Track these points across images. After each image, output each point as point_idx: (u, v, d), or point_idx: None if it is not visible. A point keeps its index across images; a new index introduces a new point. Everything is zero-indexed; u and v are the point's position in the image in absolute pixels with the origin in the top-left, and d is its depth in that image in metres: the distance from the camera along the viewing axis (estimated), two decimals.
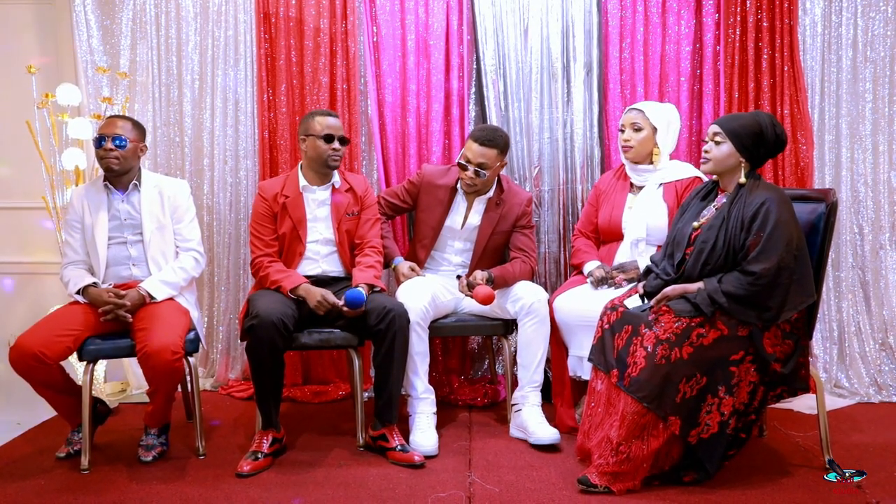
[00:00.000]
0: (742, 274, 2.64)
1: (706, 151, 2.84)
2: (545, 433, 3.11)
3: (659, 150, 3.37)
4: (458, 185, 3.47)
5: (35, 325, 2.98)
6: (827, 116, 3.92)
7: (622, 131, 3.41)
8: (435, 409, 3.27)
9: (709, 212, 2.88)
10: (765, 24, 3.80)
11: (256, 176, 3.96)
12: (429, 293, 3.26)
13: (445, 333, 3.52)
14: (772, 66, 3.82)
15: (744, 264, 2.65)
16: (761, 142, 2.77)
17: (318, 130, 3.25)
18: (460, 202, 3.49)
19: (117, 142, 3.13)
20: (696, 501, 2.61)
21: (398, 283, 3.38)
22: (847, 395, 3.79)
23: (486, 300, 3.18)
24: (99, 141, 3.14)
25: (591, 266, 3.34)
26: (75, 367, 3.45)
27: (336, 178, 3.37)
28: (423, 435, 3.13)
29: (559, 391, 3.34)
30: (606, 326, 2.87)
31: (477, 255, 3.48)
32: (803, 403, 3.56)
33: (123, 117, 3.28)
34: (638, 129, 3.36)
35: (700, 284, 2.71)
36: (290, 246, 3.32)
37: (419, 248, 3.54)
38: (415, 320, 3.14)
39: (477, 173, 3.34)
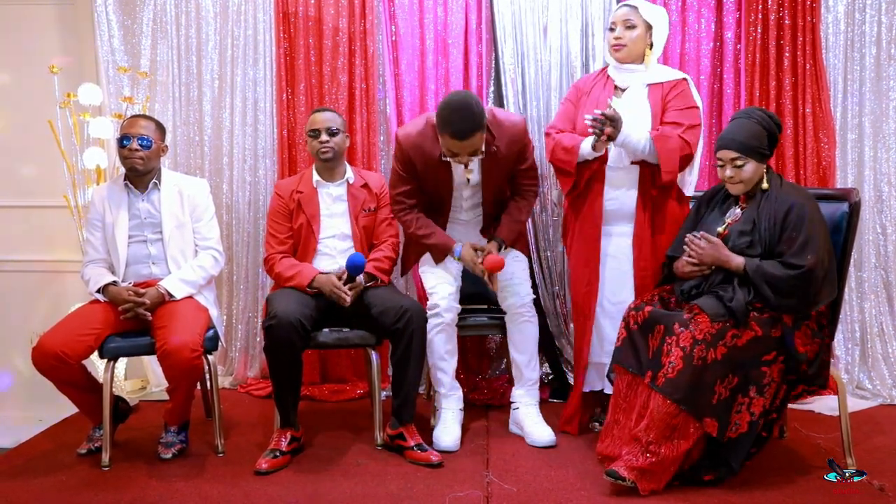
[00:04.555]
0: (784, 266, 2.62)
1: (731, 178, 2.76)
2: (542, 434, 3.13)
3: (650, 51, 3.17)
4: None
5: (56, 325, 3.00)
6: (850, 115, 3.86)
7: (612, 29, 3.19)
8: (462, 406, 3.27)
9: (733, 213, 2.85)
10: (786, 21, 3.76)
11: (275, 175, 3.97)
12: (454, 287, 3.26)
13: (462, 333, 3.49)
14: (793, 64, 3.78)
15: (786, 257, 2.63)
16: (772, 139, 2.78)
17: (306, 128, 3.35)
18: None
19: (142, 142, 3.14)
20: (717, 503, 2.59)
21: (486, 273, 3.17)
22: (869, 397, 3.74)
23: (496, 266, 3.12)
24: (122, 141, 3.16)
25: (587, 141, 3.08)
26: (96, 364, 3.47)
27: (350, 173, 3.38)
28: (446, 430, 3.14)
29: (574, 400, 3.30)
30: (634, 327, 2.84)
31: (487, 210, 3.36)
32: (825, 405, 3.53)
33: (146, 117, 3.30)
34: (631, 27, 3.14)
35: (740, 262, 2.68)
36: (304, 241, 3.34)
37: (435, 216, 3.36)
38: (447, 321, 3.16)
39: (474, 156, 3.10)
